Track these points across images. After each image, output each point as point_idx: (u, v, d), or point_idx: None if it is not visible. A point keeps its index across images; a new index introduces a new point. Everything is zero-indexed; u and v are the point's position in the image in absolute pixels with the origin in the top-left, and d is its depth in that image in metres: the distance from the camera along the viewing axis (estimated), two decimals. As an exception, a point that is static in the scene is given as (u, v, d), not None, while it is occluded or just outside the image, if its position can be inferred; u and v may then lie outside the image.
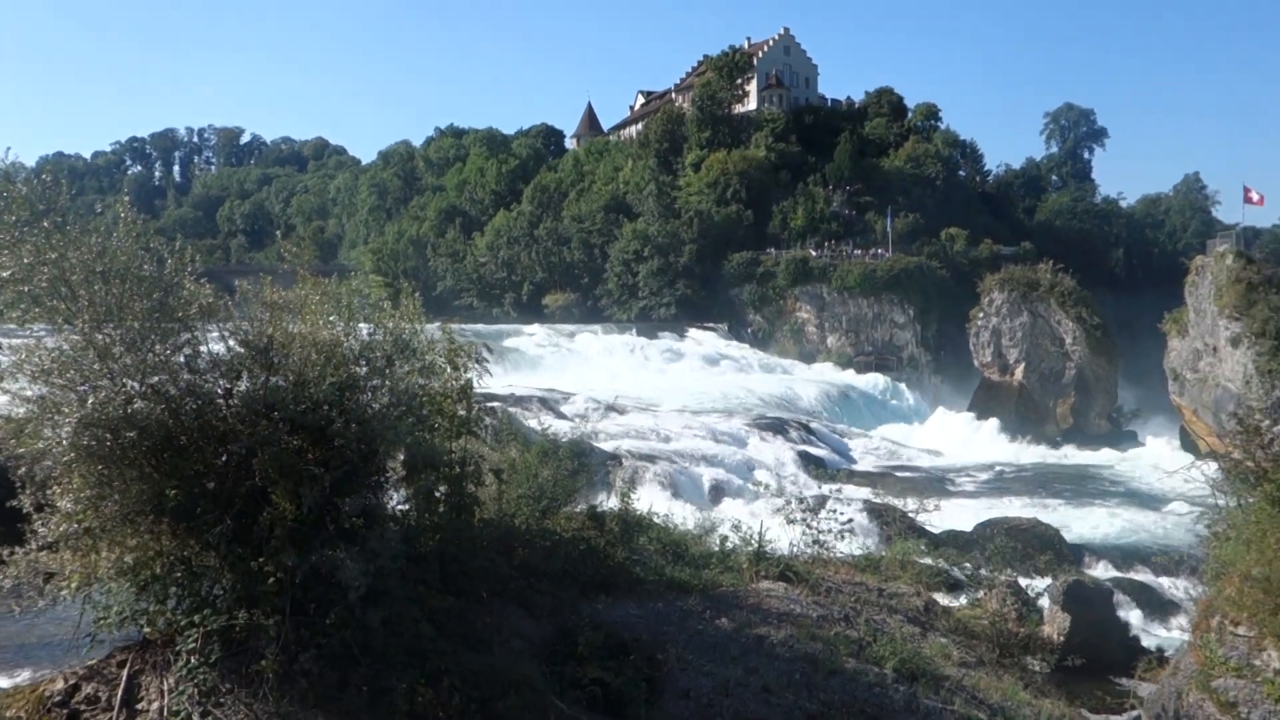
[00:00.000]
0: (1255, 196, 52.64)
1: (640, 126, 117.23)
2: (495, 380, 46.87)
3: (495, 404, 34.15)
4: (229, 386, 8.51)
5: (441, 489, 10.21)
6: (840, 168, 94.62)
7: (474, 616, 9.73)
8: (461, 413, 10.90)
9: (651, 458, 38.85)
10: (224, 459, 8.17)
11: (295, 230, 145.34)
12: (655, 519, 15.76)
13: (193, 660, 7.76)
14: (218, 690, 7.69)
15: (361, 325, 9.64)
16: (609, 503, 15.75)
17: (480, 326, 76.28)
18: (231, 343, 8.67)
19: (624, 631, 10.93)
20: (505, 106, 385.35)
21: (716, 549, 15.28)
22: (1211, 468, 16.60)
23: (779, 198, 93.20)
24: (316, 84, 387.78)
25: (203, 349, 8.55)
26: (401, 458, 9.69)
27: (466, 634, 9.34)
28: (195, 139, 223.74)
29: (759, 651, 11.23)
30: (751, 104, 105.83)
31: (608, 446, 37.36)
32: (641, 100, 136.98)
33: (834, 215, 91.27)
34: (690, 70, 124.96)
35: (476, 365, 11.22)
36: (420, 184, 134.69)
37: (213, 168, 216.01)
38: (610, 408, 46.66)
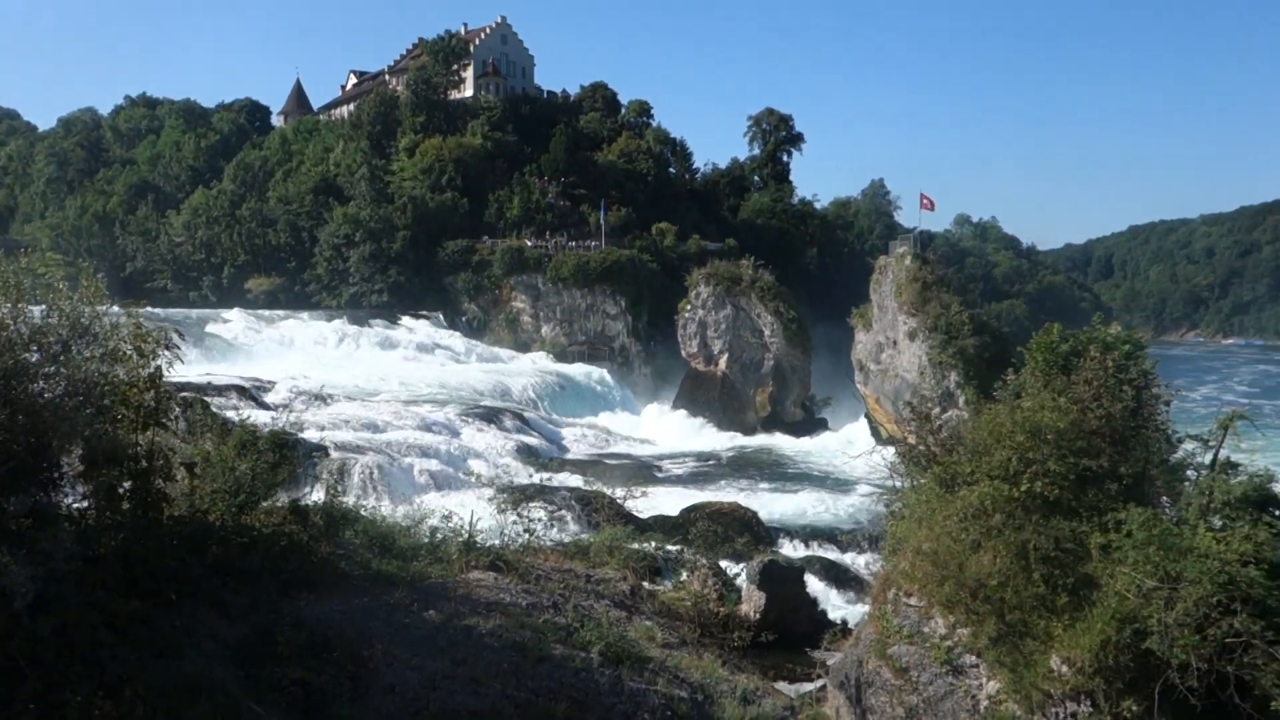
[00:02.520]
0: (928, 203, 57.27)
1: (352, 107, 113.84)
2: (191, 368, 44.59)
3: (189, 393, 32.29)
4: None
5: (125, 485, 9.55)
6: (556, 159, 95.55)
7: (161, 620, 9.16)
8: (149, 403, 10.21)
9: (361, 449, 37.95)
10: None
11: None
12: (363, 511, 15.38)
13: None
14: None
15: (34, 308, 8.83)
16: (315, 496, 15.24)
17: (175, 311, 71.93)
18: None
19: (327, 628, 10.61)
20: (205, 78, 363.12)
21: (426, 540, 15.09)
22: (890, 452, 18.10)
23: (495, 186, 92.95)
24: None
25: None
26: (79, 452, 8.98)
27: (152, 639, 8.78)
28: None
29: (468, 642, 11.20)
30: (468, 91, 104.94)
31: (314, 437, 36.09)
32: (354, 80, 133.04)
33: (549, 206, 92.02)
34: (405, 53, 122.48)
35: (167, 352, 10.54)
36: (108, 156, 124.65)
37: None
38: (317, 397, 45.13)
